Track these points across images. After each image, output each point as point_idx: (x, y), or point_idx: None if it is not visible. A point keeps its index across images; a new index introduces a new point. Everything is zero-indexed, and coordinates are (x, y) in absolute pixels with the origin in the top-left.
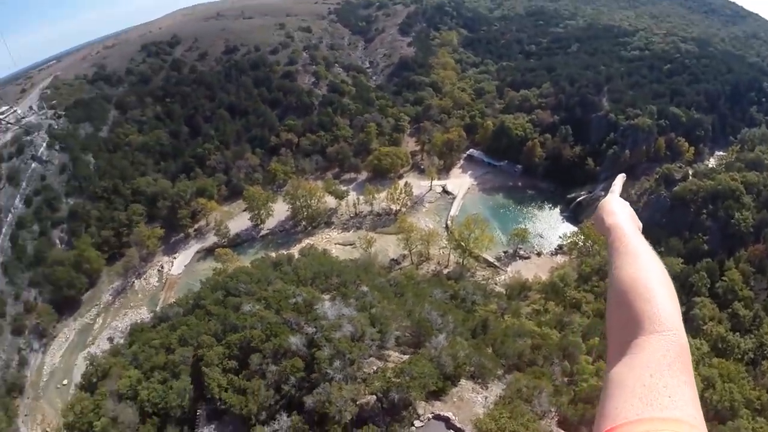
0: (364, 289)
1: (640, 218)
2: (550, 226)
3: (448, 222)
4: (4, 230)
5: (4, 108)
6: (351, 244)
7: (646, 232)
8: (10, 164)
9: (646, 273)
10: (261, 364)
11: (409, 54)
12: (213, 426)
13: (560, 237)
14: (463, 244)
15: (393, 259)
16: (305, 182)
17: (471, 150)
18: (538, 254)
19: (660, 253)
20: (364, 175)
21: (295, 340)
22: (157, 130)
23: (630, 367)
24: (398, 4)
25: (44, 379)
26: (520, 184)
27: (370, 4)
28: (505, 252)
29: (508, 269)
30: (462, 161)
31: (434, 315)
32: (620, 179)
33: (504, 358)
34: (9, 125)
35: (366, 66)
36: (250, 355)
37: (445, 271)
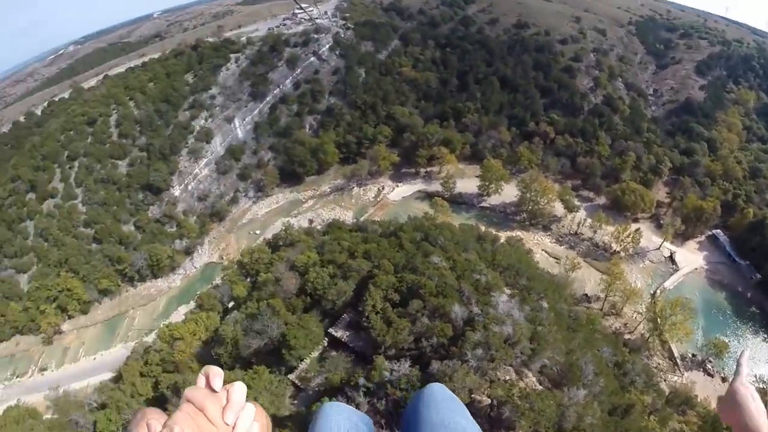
0: (544, 305)
1: None
2: (754, 358)
3: (658, 291)
4: (268, 98)
5: (304, 5)
6: (556, 258)
7: None
8: (293, 50)
9: None
10: (417, 312)
11: (698, 98)
12: (347, 333)
13: (756, 376)
14: (659, 321)
15: (585, 294)
16: (544, 179)
17: (717, 231)
18: (723, 379)
19: None
20: (601, 200)
21: (457, 310)
22: (429, 72)
23: None
24: (704, 40)
25: (243, 221)
26: (749, 295)
27: (674, 28)
28: (693, 355)
29: (685, 374)
30: (703, 237)
31: (590, 368)
32: (745, 358)
33: None
34: (303, 20)
35: (649, 92)
36: (412, 299)
37: (626, 336)
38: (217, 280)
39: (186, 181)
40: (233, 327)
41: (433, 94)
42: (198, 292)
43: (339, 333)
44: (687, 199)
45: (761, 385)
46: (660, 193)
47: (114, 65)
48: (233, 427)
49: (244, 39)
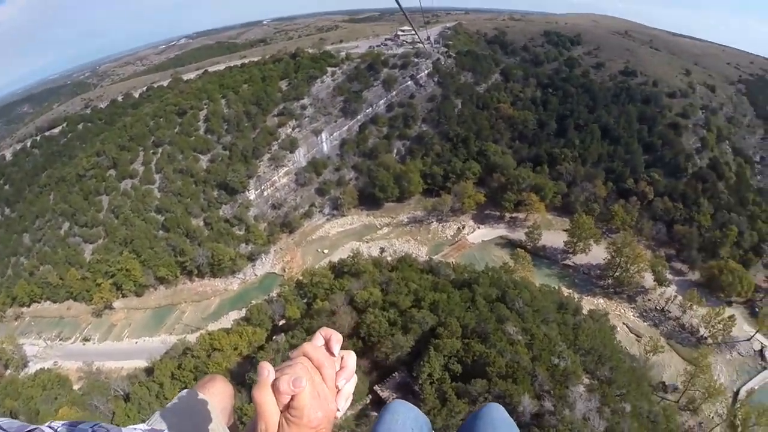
0: (627, 407)
1: None
2: None
3: (742, 390)
4: (359, 117)
5: (405, 27)
6: (637, 336)
7: None
8: (390, 72)
9: None
10: (479, 395)
11: None
12: (395, 396)
13: None
14: (740, 429)
15: (663, 383)
16: (637, 245)
17: None
18: None
19: None
20: (694, 276)
21: (527, 403)
22: (528, 111)
23: None
24: None
25: (313, 237)
26: None
27: None
28: None
29: None
30: None
31: None
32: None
33: None
34: (405, 43)
35: (755, 159)
36: (477, 377)
37: None
38: (274, 293)
39: (263, 187)
40: (273, 356)
41: (529, 136)
42: (252, 301)
43: (385, 393)
44: None
45: None
46: (758, 275)
47: (215, 62)
48: (337, 392)
49: (343, 54)
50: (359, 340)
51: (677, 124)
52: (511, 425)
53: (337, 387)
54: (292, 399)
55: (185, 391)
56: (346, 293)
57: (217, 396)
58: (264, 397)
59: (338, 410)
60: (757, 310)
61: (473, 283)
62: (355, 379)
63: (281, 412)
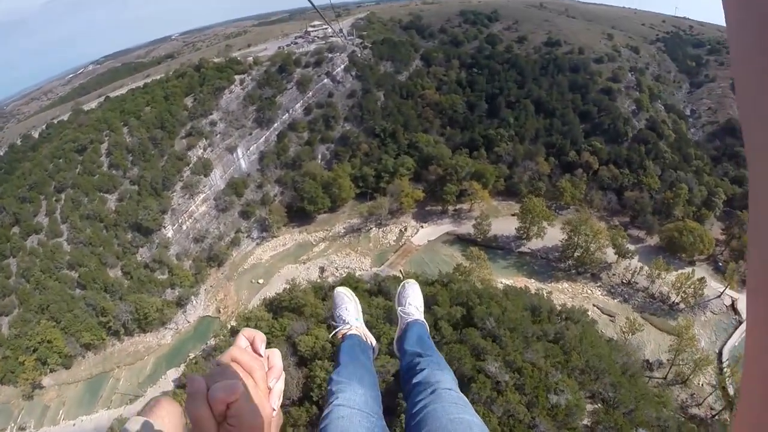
0: None
1: None
2: None
3: (723, 351)
4: (276, 125)
5: (316, 22)
6: (610, 316)
7: None
8: (304, 71)
9: None
10: None
11: (738, 118)
12: None
13: None
14: (731, 395)
15: (646, 361)
16: (593, 220)
17: None
18: None
19: None
20: (653, 241)
21: None
22: (455, 95)
23: None
24: None
25: (244, 267)
26: None
27: (700, 44)
28: None
29: None
30: None
31: None
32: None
33: None
34: (316, 38)
35: (687, 113)
36: None
37: (694, 411)
38: (211, 340)
39: (180, 220)
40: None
41: (461, 120)
42: (190, 354)
43: None
44: (746, 237)
45: None
46: (713, 228)
47: (118, 86)
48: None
49: (250, 59)
50: (313, 405)
51: (610, 88)
52: (459, 397)
53: (268, 387)
54: (227, 408)
55: (133, 419)
56: (287, 340)
57: (167, 419)
58: (199, 410)
59: (273, 410)
60: (720, 264)
61: (432, 303)
62: (283, 376)
63: (218, 423)
